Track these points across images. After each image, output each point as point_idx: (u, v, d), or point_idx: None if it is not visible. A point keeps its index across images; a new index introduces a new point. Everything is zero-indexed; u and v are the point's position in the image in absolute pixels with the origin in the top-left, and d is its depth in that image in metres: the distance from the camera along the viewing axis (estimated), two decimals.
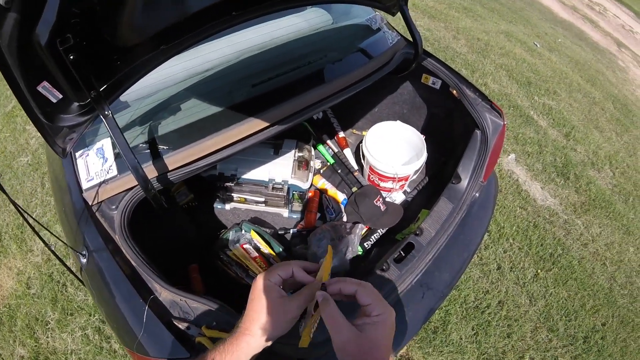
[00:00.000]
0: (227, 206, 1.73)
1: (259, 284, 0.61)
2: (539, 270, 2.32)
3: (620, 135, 3.96)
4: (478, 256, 2.27)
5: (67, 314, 1.85)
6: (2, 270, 2.03)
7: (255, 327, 0.58)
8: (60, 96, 0.85)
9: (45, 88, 0.81)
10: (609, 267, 2.54)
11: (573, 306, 2.23)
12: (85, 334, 1.79)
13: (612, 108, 4.41)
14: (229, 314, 0.96)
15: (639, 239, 2.83)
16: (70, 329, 1.80)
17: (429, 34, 4.38)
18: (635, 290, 2.48)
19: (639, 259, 2.70)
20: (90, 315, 1.84)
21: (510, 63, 4.29)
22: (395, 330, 0.57)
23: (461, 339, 1.93)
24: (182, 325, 0.95)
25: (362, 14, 1.71)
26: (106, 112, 0.92)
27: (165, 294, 0.97)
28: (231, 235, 1.49)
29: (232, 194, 1.65)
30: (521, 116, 3.50)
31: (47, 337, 1.79)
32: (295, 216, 1.73)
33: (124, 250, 1.03)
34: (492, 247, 2.34)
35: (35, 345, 1.77)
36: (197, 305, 0.96)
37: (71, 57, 0.76)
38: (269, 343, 0.59)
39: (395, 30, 1.68)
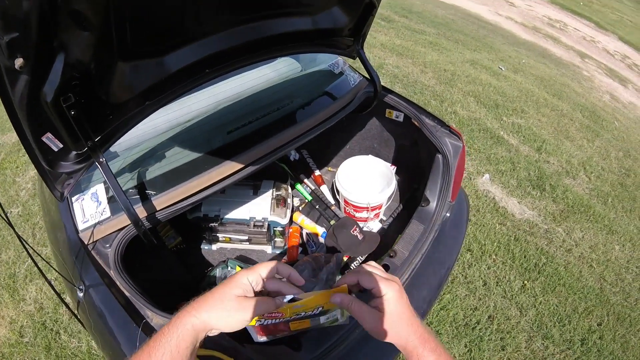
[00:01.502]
0: (214, 246, 1.82)
1: (235, 276, 0.62)
2: (525, 281, 2.38)
3: (592, 141, 4.14)
4: (462, 275, 2.33)
5: None
6: None
7: (202, 312, 0.58)
8: (61, 145, 0.97)
9: (48, 138, 0.93)
10: (596, 268, 2.60)
11: (565, 311, 2.27)
12: None
13: (580, 117, 4.62)
14: (219, 335, 1.04)
15: (623, 237, 2.91)
16: None
17: (397, 71, 4.61)
18: (627, 286, 2.53)
19: (626, 255, 2.77)
20: None
21: (477, 89, 4.51)
22: (405, 296, 0.63)
23: (455, 357, 1.96)
24: None
25: (327, 60, 1.87)
26: (101, 159, 1.06)
27: (156, 319, 1.05)
28: (218, 272, 1.58)
29: (217, 234, 1.74)
30: (492, 137, 3.65)
31: None
32: (278, 251, 1.82)
33: (118, 283, 1.12)
34: (475, 265, 2.40)
35: None
36: None
37: (72, 112, 0.89)
38: (212, 333, 0.60)
39: (357, 72, 1.85)
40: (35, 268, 2.19)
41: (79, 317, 1.27)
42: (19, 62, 0.71)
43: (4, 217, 0.97)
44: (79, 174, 1.09)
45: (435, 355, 0.57)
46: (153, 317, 1.05)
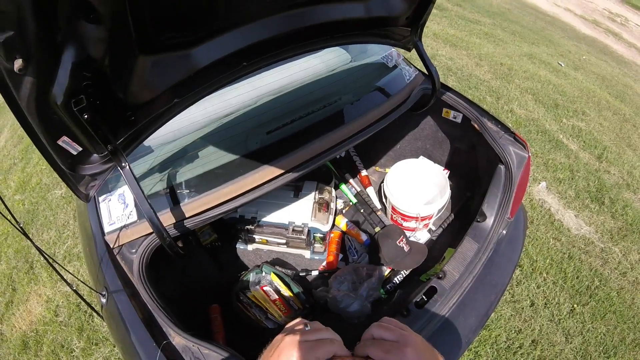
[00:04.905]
0: (250, 247, 1.74)
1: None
2: (575, 305, 2.19)
3: None
4: (510, 293, 2.16)
5: (92, 343, 1.86)
6: (32, 297, 2.09)
7: None
8: (80, 149, 0.89)
9: (65, 142, 0.85)
10: None
11: (612, 341, 2.08)
12: None
13: None
14: None
15: None
16: (94, 359, 1.81)
17: (451, 63, 4.35)
18: None
19: None
20: (114, 347, 1.84)
21: (536, 86, 4.21)
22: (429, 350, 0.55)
23: None
24: None
25: (379, 51, 1.72)
26: (123, 164, 0.97)
27: (178, 339, 0.98)
28: (252, 277, 1.49)
29: (254, 236, 1.66)
30: (550, 141, 3.39)
31: None
32: (317, 257, 1.72)
33: (140, 294, 1.05)
34: (524, 282, 2.23)
35: None
36: (208, 352, 0.96)
37: (85, 116, 0.80)
38: None
39: (413, 65, 1.68)
40: (75, 250, 2.23)
41: (103, 316, 1.22)
42: (18, 63, 0.63)
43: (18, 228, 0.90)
44: (104, 175, 1.00)
45: None
46: (175, 336, 0.98)
